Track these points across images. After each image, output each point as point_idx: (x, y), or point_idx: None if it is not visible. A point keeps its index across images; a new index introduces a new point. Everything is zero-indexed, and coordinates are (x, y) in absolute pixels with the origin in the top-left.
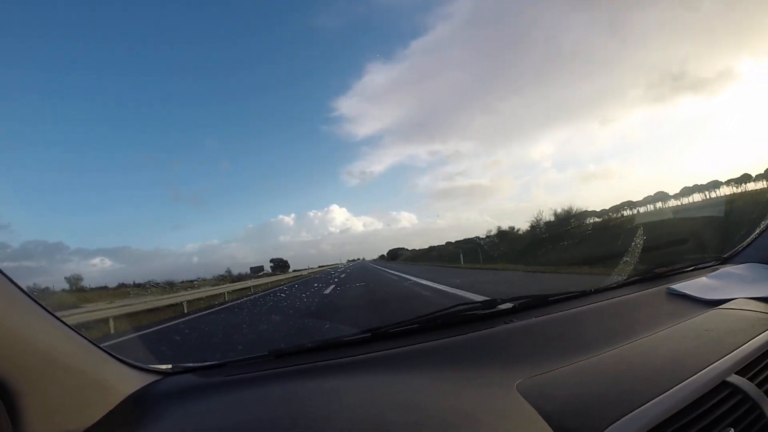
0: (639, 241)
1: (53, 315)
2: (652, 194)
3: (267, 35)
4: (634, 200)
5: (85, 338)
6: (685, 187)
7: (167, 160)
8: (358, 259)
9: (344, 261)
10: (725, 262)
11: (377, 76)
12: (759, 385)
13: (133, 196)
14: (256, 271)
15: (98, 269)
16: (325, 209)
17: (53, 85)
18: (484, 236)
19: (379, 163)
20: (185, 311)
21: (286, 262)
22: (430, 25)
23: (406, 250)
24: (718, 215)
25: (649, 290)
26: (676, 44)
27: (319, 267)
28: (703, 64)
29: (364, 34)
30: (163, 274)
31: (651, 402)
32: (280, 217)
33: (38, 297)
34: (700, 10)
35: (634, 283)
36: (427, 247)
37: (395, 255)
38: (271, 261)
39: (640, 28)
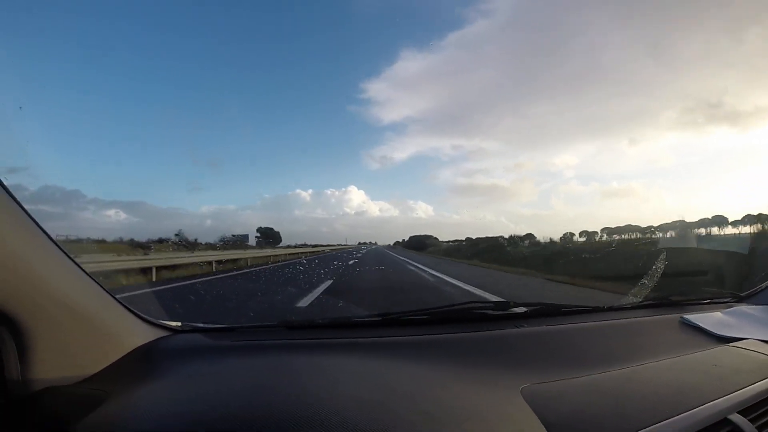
0: (660, 265)
1: (72, 260)
2: (709, 217)
3: (304, 9)
4: (688, 220)
5: (101, 287)
6: (749, 214)
7: (191, 122)
8: (372, 243)
9: (353, 243)
10: (742, 300)
11: (410, 63)
12: (760, 428)
13: (153, 153)
14: (238, 240)
15: (113, 221)
16: (343, 189)
17: (91, 31)
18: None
19: (401, 150)
20: None
21: (277, 233)
22: (470, 19)
23: (436, 239)
24: (742, 251)
25: (663, 316)
26: (716, 74)
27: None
28: (743, 97)
29: (402, 20)
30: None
31: (650, 428)
32: (297, 191)
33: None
34: (744, 43)
35: (648, 306)
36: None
37: (421, 245)
38: (258, 231)
39: (682, 53)
